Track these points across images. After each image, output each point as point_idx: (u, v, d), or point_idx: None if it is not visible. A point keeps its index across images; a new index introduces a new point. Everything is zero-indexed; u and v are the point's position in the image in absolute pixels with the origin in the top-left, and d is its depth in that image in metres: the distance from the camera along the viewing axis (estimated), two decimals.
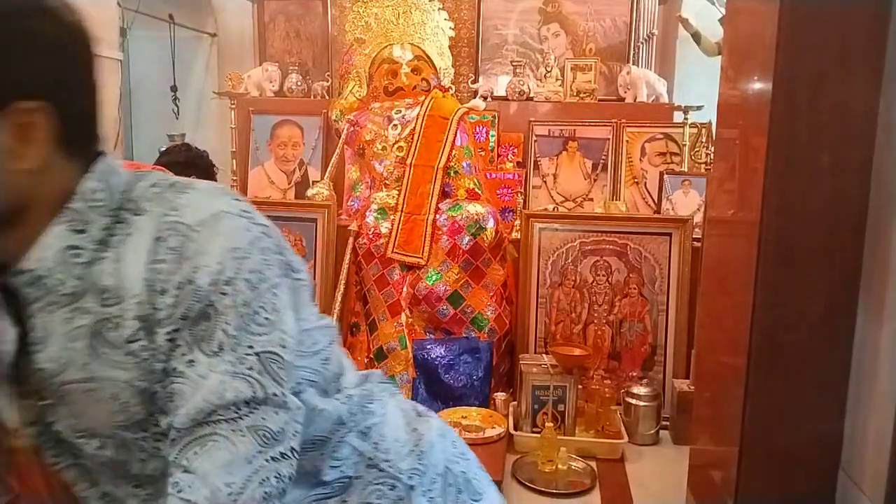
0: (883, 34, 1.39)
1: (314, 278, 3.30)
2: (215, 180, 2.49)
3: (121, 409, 0.80)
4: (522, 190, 3.58)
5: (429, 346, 3.00)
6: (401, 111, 3.40)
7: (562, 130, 3.67)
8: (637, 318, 3.08)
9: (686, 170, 3.51)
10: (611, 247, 3.10)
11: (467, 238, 3.03)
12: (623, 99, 3.80)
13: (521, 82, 3.78)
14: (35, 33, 0.71)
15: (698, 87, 4.09)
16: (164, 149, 3.78)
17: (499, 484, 2.35)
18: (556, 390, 2.69)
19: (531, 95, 3.79)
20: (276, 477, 0.77)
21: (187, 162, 2.37)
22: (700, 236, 2.94)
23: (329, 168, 3.48)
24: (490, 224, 3.05)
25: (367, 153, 3.39)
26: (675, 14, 3.84)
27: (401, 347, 3.01)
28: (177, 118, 4.27)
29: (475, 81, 3.91)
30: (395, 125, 3.37)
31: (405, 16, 3.59)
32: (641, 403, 2.81)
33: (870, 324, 1.44)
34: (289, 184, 3.87)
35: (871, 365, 1.43)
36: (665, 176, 3.49)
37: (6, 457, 0.86)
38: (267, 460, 0.77)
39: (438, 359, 2.96)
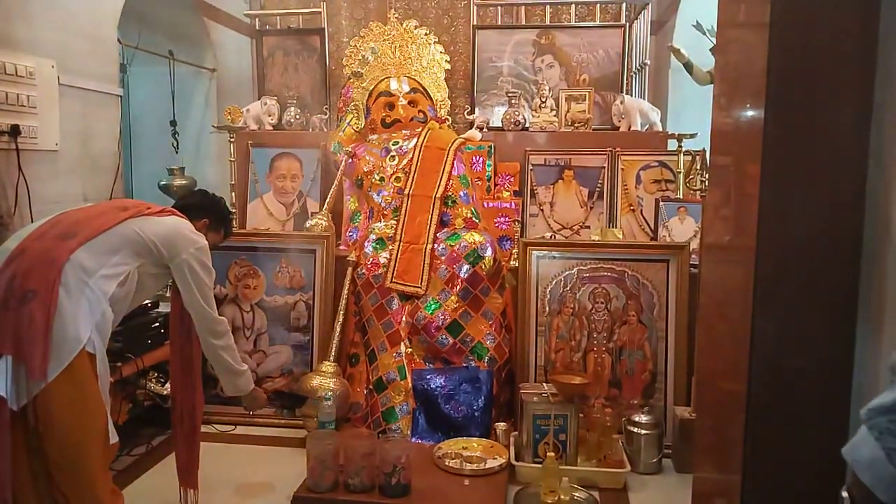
0: (872, 61, 1.42)
1: (313, 309, 3.30)
2: (231, 226, 2.52)
3: None
4: (520, 218, 3.60)
5: (428, 376, 2.98)
6: (398, 142, 3.44)
7: (557, 159, 3.71)
8: (636, 345, 3.08)
9: (681, 197, 3.54)
10: (609, 274, 3.11)
11: (466, 267, 3.04)
12: (617, 128, 3.85)
13: (517, 113, 3.82)
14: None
15: (691, 115, 4.15)
16: (162, 182, 3.82)
17: None
18: (556, 419, 2.67)
19: (526, 125, 3.83)
20: None
21: (202, 205, 2.40)
22: (697, 262, 2.95)
23: (328, 199, 3.50)
24: (488, 252, 3.06)
25: (366, 184, 3.42)
26: (667, 44, 3.90)
27: (400, 378, 2.99)
28: (176, 152, 4.30)
29: (471, 113, 3.96)
30: (392, 156, 3.40)
31: (402, 49, 3.65)
32: (643, 432, 2.79)
33: (868, 347, 1.44)
34: (288, 215, 3.89)
35: (871, 388, 1.43)
36: (661, 203, 3.51)
37: None
38: None
39: (438, 389, 2.95)
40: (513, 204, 3.60)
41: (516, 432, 2.82)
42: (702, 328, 2.23)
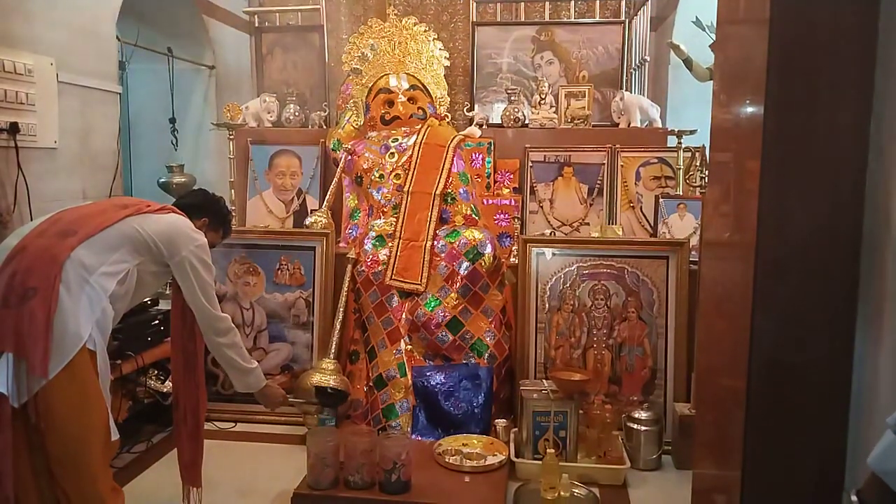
0: (871, 56, 1.42)
1: (313, 306, 3.30)
2: (230, 225, 2.52)
3: None
4: (519, 215, 3.60)
5: (428, 373, 2.98)
6: (398, 139, 3.43)
7: (557, 156, 3.71)
8: (636, 341, 3.08)
9: (681, 193, 3.54)
10: (608, 271, 3.11)
11: (465, 264, 3.04)
12: (617, 124, 3.85)
13: (516, 109, 3.82)
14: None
15: (691, 111, 4.14)
16: (161, 179, 3.82)
17: None
18: (556, 416, 2.68)
19: (526, 122, 3.83)
20: None
21: (202, 204, 2.39)
22: (697, 259, 2.95)
23: (327, 196, 3.50)
24: (488, 249, 3.06)
25: (365, 181, 3.42)
26: (667, 40, 3.90)
27: (400, 375, 2.99)
28: (175, 149, 4.30)
29: (471, 109, 3.95)
30: (392, 153, 3.40)
31: (401, 46, 3.65)
32: (643, 428, 2.80)
33: (868, 343, 1.44)
34: (287, 213, 3.89)
35: (871, 383, 1.43)
36: (660, 199, 3.51)
37: None
38: None
39: (438, 386, 2.95)
40: (512, 201, 3.60)
41: (516, 429, 2.83)
42: (701, 324, 2.23)
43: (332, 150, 3.68)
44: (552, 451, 2.49)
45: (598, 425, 2.77)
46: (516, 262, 3.20)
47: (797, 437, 1.50)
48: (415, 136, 3.41)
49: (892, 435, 0.97)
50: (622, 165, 3.66)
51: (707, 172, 3.16)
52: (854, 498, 1.05)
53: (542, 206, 3.69)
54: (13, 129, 2.70)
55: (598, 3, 4.06)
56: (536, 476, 2.52)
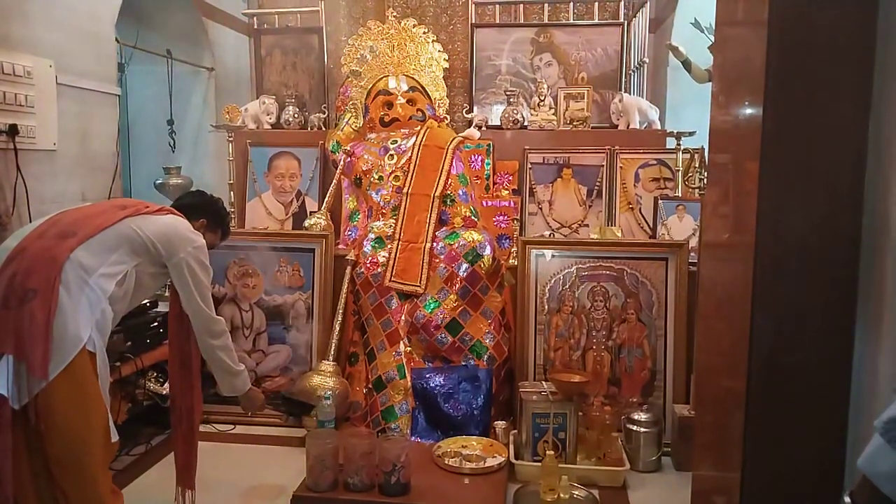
0: (870, 57, 1.42)
1: (312, 308, 3.30)
2: (228, 226, 2.51)
3: None
4: (518, 217, 3.60)
5: (428, 375, 2.98)
6: (397, 141, 3.43)
7: (556, 158, 3.71)
8: (636, 343, 3.08)
9: (680, 195, 3.54)
10: (607, 272, 3.11)
11: (465, 265, 3.04)
12: (616, 126, 3.85)
13: (515, 111, 3.82)
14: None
15: (690, 113, 4.15)
16: (158, 181, 3.82)
17: None
18: (556, 418, 2.67)
19: (525, 124, 3.83)
20: None
21: (200, 205, 2.39)
22: (696, 260, 2.95)
23: (326, 198, 3.50)
24: (487, 251, 3.06)
25: (364, 183, 3.42)
26: (666, 42, 3.91)
27: (399, 377, 2.99)
28: (173, 151, 4.31)
29: (470, 111, 3.95)
30: (391, 155, 3.40)
31: (400, 48, 3.65)
32: (642, 430, 2.80)
33: (867, 344, 1.45)
34: (286, 214, 3.89)
35: (870, 385, 1.43)
36: (659, 201, 3.51)
37: None
38: None
39: (437, 388, 2.95)
40: (511, 202, 3.60)
41: (515, 431, 2.82)
42: (701, 326, 2.23)
43: (332, 151, 3.68)
44: (551, 452, 2.49)
45: (598, 427, 2.77)
46: (515, 263, 3.20)
47: (797, 438, 1.50)
48: (414, 138, 3.41)
49: (880, 438, 0.98)
50: (621, 167, 3.66)
51: (706, 174, 3.17)
52: (847, 500, 1.05)
53: (541, 208, 3.69)
54: (12, 130, 2.70)
55: (596, 4, 4.07)
56: (536, 478, 2.52)
